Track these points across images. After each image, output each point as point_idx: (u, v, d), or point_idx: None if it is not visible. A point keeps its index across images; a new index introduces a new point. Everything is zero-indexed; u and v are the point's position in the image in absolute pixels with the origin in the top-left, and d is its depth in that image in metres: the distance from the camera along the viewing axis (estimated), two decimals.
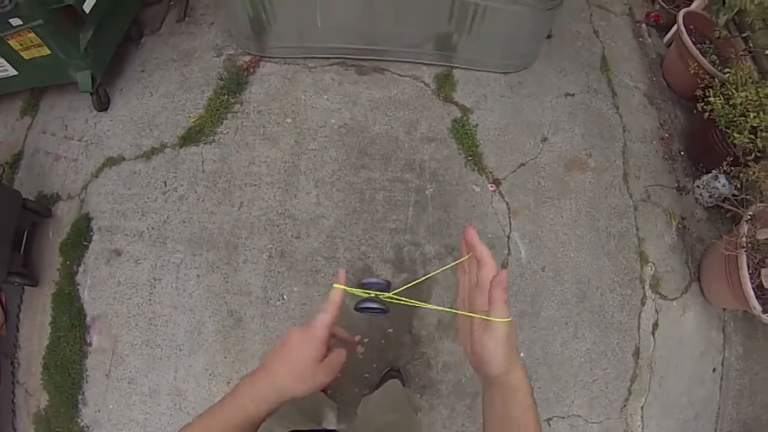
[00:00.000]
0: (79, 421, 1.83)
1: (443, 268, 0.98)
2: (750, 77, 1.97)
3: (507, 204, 1.97)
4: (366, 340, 1.77)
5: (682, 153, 2.33)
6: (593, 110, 2.22)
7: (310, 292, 1.82)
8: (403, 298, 0.62)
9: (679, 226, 2.16)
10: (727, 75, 1.99)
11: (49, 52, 1.95)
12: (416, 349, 1.79)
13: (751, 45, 2.25)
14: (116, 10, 2.14)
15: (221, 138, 2.04)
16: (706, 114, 1.96)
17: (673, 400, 1.93)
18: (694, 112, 2.16)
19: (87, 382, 1.85)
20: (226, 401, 0.58)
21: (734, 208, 1.91)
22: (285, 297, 1.85)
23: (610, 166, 2.15)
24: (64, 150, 2.23)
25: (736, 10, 2.11)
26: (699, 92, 2.04)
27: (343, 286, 0.59)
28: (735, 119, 1.88)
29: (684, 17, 2.32)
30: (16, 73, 2.08)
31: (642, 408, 1.88)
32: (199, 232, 1.93)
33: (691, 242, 2.14)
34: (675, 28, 2.41)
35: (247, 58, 2.15)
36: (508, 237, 1.94)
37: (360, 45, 2.03)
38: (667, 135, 2.36)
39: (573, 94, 2.22)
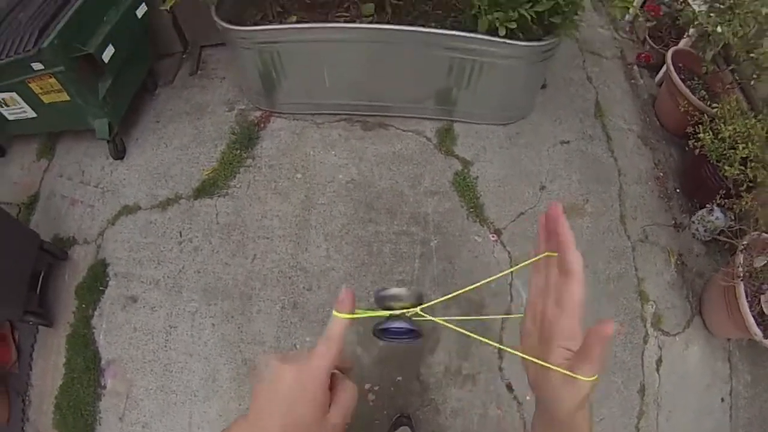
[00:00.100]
0: None
1: (502, 274, 0.75)
2: (738, 109, 2.07)
3: (508, 253, 2.07)
4: (376, 388, 1.85)
5: (678, 190, 2.42)
6: (589, 156, 2.32)
7: None
8: (442, 321, 0.49)
9: (678, 262, 2.24)
10: (716, 109, 2.08)
11: (68, 98, 2.08)
12: (425, 396, 1.86)
13: (737, 77, 2.36)
14: (133, 61, 2.29)
15: (234, 191, 2.14)
16: (697, 150, 2.05)
17: None
18: (686, 149, 2.25)
19: (100, 425, 1.91)
20: None
21: (730, 240, 1.98)
22: (298, 347, 1.93)
23: (607, 210, 2.24)
24: (81, 195, 2.34)
25: (721, 45, 2.23)
26: (690, 129, 2.13)
27: (346, 315, 0.44)
28: (725, 152, 1.97)
29: (672, 56, 2.43)
30: (34, 115, 2.21)
31: None
32: (213, 283, 2.03)
33: (691, 277, 2.21)
34: (665, 67, 2.51)
35: (258, 113, 2.27)
36: (510, 285, 2.03)
37: (365, 101, 2.16)
38: (662, 174, 2.45)
39: (568, 142, 2.33)
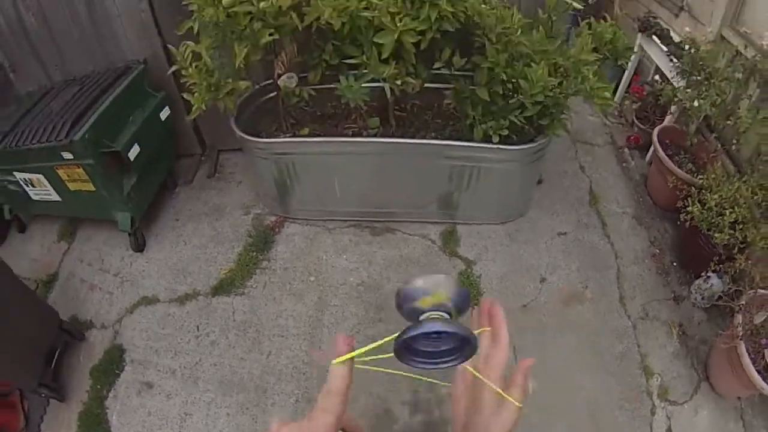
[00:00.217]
0: None
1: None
2: (724, 175, 2.22)
3: (512, 343, 2.21)
4: None
5: (675, 264, 2.58)
6: (586, 244, 2.52)
7: None
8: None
9: (680, 333, 2.36)
10: (702, 180, 2.23)
11: (94, 189, 2.29)
12: None
13: (721, 143, 2.52)
14: (156, 160, 2.54)
15: (251, 291, 2.35)
16: (688, 222, 2.17)
17: None
18: (678, 223, 2.38)
19: None
20: None
21: (729, 303, 2.06)
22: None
23: (606, 294, 2.40)
24: (100, 281, 2.54)
25: (702, 116, 2.41)
26: (680, 203, 2.26)
27: (343, 357, 0.41)
28: (714, 220, 2.10)
29: (659, 133, 2.64)
30: (59, 199, 2.43)
31: None
32: (229, 376, 2.18)
33: (695, 345, 2.32)
34: (652, 146, 2.72)
35: (273, 218, 2.51)
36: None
37: (373, 208, 2.41)
38: (658, 251, 2.62)
39: (566, 233, 2.54)
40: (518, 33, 2.03)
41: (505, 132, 2.14)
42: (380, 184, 2.33)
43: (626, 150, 2.96)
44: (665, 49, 2.72)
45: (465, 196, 2.33)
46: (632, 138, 2.99)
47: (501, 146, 2.16)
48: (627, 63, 2.66)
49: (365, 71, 2.07)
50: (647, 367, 2.26)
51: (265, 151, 2.28)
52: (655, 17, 2.99)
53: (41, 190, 2.42)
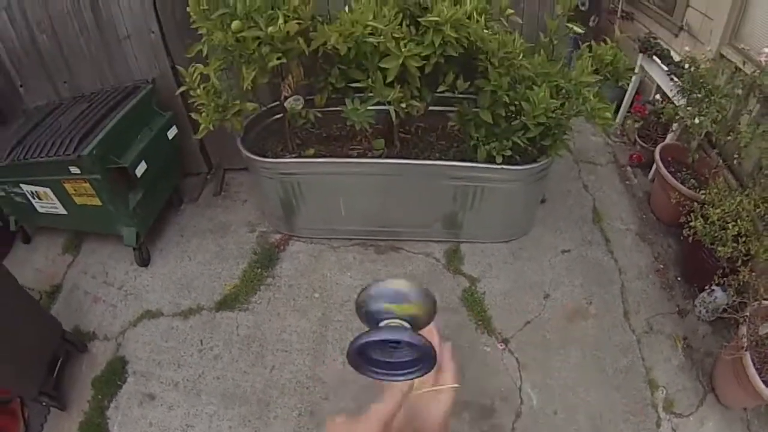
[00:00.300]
0: None
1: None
2: (726, 189, 2.28)
3: (516, 359, 2.29)
4: None
5: (679, 278, 2.65)
6: (589, 260, 2.59)
7: None
8: None
9: (684, 346, 2.42)
10: (704, 195, 2.29)
11: (100, 203, 2.37)
12: None
13: (722, 158, 2.60)
14: (162, 177, 2.63)
15: (255, 307, 2.42)
16: (691, 237, 2.23)
17: None
18: (681, 238, 2.42)
19: None
20: None
21: (733, 315, 2.12)
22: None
23: (610, 309, 2.47)
24: (104, 294, 2.62)
25: (704, 133, 2.49)
26: (683, 218, 2.32)
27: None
28: (717, 234, 2.16)
29: (661, 151, 2.72)
30: (65, 212, 2.50)
31: None
32: (232, 389, 2.24)
33: (700, 357, 2.38)
34: (655, 164, 2.80)
35: (278, 236, 2.60)
36: (520, 388, 2.23)
37: (377, 227, 2.49)
38: (662, 266, 2.69)
39: (569, 250, 2.61)
40: (520, 57, 2.13)
41: (508, 153, 2.24)
42: (385, 204, 2.42)
43: (629, 168, 3.06)
44: (666, 68, 2.83)
45: (469, 215, 2.42)
46: (635, 156, 3.09)
47: (504, 166, 2.25)
48: (628, 84, 2.78)
49: (370, 95, 2.17)
50: (652, 380, 2.32)
51: (271, 170, 2.38)
52: (655, 38, 3.12)
53: (47, 203, 2.51)
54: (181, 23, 2.38)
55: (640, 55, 3.15)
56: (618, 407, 2.24)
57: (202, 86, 2.07)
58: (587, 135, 3.19)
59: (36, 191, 2.46)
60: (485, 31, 2.08)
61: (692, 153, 2.63)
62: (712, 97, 2.43)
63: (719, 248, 2.13)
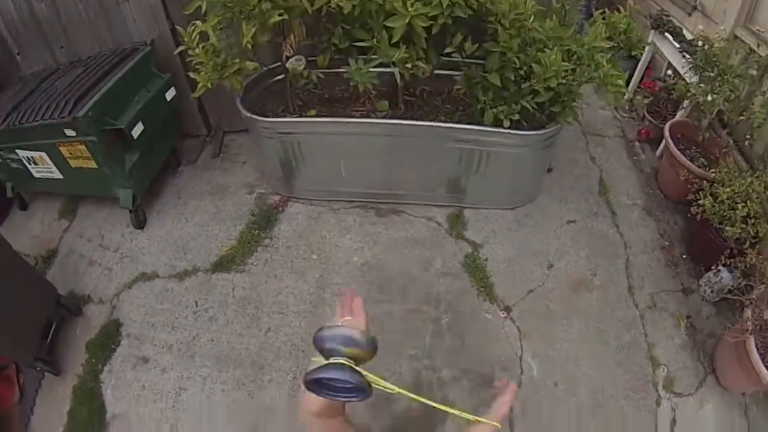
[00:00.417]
0: None
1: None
2: (736, 170, 2.27)
3: (518, 328, 2.26)
4: None
5: (684, 256, 2.62)
6: (595, 232, 2.56)
7: None
8: (380, 381, 0.51)
9: (687, 325, 2.40)
10: (714, 174, 2.27)
11: (96, 166, 2.34)
12: None
13: (733, 139, 2.58)
14: (160, 139, 2.60)
15: (251, 268, 2.39)
16: (699, 215, 2.22)
17: None
18: (689, 216, 2.44)
19: None
20: None
21: (738, 297, 2.10)
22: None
23: (615, 282, 2.44)
24: (99, 257, 2.59)
25: (715, 112, 2.48)
26: (691, 196, 2.32)
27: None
28: (726, 214, 2.15)
29: (670, 128, 2.69)
30: (60, 177, 2.48)
31: None
32: (227, 351, 2.22)
33: (702, 338, 2.36)
34: (664, 140, 2.77)
35: (277, 197, 2.57)
36: (521, 358, 2.21)
37: (379, 190, 2.46)
38: (667, 243, 2.66)
39: (575, 221, 2.58)
40: (531, 19, 2.09)
41: (516, 117, 2.20)
42: (387, 166, 2.38)
43: (637, 143, 3.01)
44: (678, 45, 2.79)
45: (474, 180, 2.39)
46: (643, 131, 3.04)
47: (512, 131, 2.21)
48: (640, 54, 2.73)
49: (374, 56, 2.13)
50: (654, 357, 2.30)
51: (271, 130, 2.34)
52: (667, 15, 3.06)
53: (43, 167, 2.48)
54: None
55: (652, 31, 3.09)
56: (619, 383, 2.22)
57: (200, 45, 2.02)
58: (595, 108, 3.14)
59: (32, 156, 2.44)
60: None
61: (703, 131, 2.60)
62: (726, 77, 2.40)
63: (727, 228, 2.11)
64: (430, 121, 2.35)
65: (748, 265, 2.03)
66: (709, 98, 2.40)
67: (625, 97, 3.21)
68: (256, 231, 2.47)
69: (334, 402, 0.56)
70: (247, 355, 2.21)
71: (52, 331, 2.23)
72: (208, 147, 2.87)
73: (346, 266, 2.37)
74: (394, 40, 2.03)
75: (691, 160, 2.55)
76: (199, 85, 2.05)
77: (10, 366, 2.24)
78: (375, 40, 2.09)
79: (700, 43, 2.60)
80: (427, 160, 2.34)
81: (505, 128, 2.20)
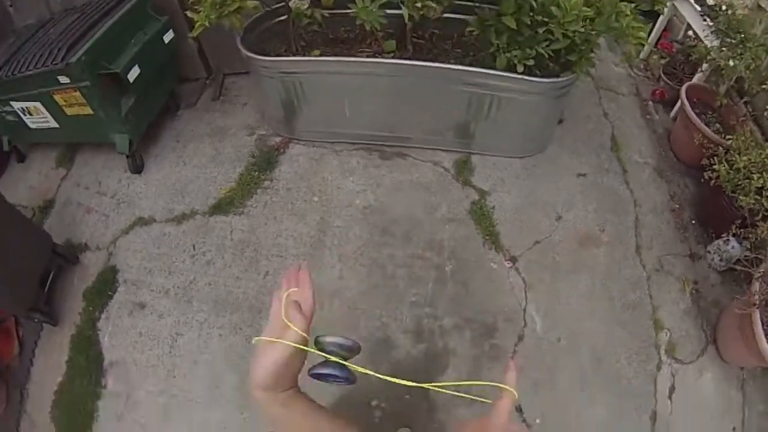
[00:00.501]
0: None
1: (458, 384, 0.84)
2: (752, 140, 2.21)
3: (523, 279, 2.20)
4: (383, 405, 1.95)
5: (694, 221, 2.57)
6: (605, 188, 2.48)
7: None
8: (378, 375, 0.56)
9: (693, 291, 2.35)
10: (730, 141, 2.22)
11: (91, 112, 2.28)
12: (432, 416, 1.96)
13: (751, 109, 2.52)
14: (157, 82, 2.52)
15: (250, 210, 2.32)
16: (713, 181, 2.17)
17: None
18: (702, 180, 2.40)
19: (96, 422, 2.01)
20: None
21: (747, 269, 2.05)
22: (306, 361, 2.05)
23: (623, 240, 2.38)
24: (96, 204, 2.54)
25: (734, 78, 2.42)
26: (705, 161, 2.26)
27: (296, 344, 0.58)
28: (740, 183, 2.09)
29: (687, 91, 2.61)
30: (56, 126, 2.42)
31: None
32: (224, 295, 2.17)
33: (706, 306, 2.32)
34: (679, 102, 2.70)
35: (278, 139, 2.48)
36: (524, 310, 2.16)
37: (384, 132, 2.37)
38: (677, 206, 2.60)
39: (585, 174, 2.50)
40: None
41: (531, 62, 2.10)
42: (393, 107, 2.28)
43: (651, 103, 2.92)
44: (699, 8, 2.70)
45: (483, 126, 2.30)
46: (658, 92, 2.95)
47: (525, 77, 2.12)
48: (663, 8, 2.61)
49: None
50: (657, 320, 2.26)
51: (272, 69, 2.24)
52: None
53: (39, 117, 2.41)
54: None
55: None
56: (622, 343, 2.18)
57: None
58: (609, 64, 3.04)
59: (26, 107, 2.37)
60: None
61: (720, 97, 2.52)
62: (748, 44, 2.33)
63: (741, 198, 2.06)
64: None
65: (758, 238, 1.98)
66: (731, 63, 2.34)
67: (641, 55, 3.11)
68: (256, 173, 2.38)
69: (282, 372, 0.62)
70: (244, 299, 2.16)
71: (49, 282, 2.20)
72: (208, 90, 2.77)
73: (347, 209, 2.29)
74: None
75: (706, 125, 2.47)
76: (197, 24, 1.96)
77: (9, 319, 2.24)
78: None
79: (723, 7, 2.52)
80: (436, 104, 2.24)
81: (518, 74, 2.11)
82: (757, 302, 1.88)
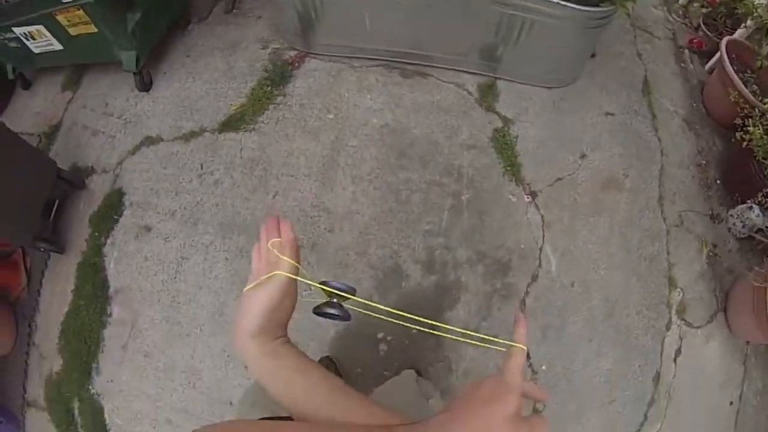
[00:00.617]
0: (90, 388, 1.94)
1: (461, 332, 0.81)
2: None
3: (542, 216, 2.08)
4: (389, 338, 1.87)
5: (718, 181, 2.42)
6: (633, 131, 2.33)
7: None
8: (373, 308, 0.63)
9: (710, 254, 2.23)
10: (767, 105, 2.06)
11: (95, 30, 2.11)
12: (439, 352, 1.88)
13: None
14: None
15: (261, 127, 2.17)
16: (745, 143, 2.04)
17: (688, 431, 1.98)
18: (733, 140, 2.27)
19: (103, 352, 1.97)
20: None
21: (767, 240, 1.98)
22: (312, 288, 1.94)
23: (646, 188, 2.24)
24: (103, 126, 2.39)
25: None
26: (738, 121, 2.13)
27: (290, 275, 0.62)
28: None
29: (727, 45, 2.43)
30: (60, 48, 2.26)
31: None
32: (231, 217, 2.06)
33: (721, 272, 2.21)
34: (717, 55, 2.54)
35: (293, 53, 2.31)
36: (540, 249, 2.04)
37: (406, 49, 2.18)
38: (704, 162, 2.45)
39: (614, 114, 2.33)
40: None
41: None
42: (418, 23, 2.10)
43: (686, 51, 2.72)
44: None
45: (512, 50, 2.12)
46: (695, 41, 2.73)
47: (562, 2, 1.93)
48: None
49: None
50: (672, 278, 2.14)
51: None
52: None
53: (42, 41, 2.24)
54: None
55: None
56: (635, 296, 2.07)
57: None
58: (647, 6, 2.77)
59: (29, 32, 2.20)
60: None
61: (762, 58, 2.34)
62: None
63: None
64: None
65: None
66: None
67: (681, 0, 2.86)
68: (269, 87, 2.22)
69: (272, 318, 0.62)
70: (252, 221, 2.05)
71: (54, 209, 2.09)
72: (221, 2, 2.57)
73: (364, 128, 2.15)
74: None
75: (743, 84, 2.29)
76: None
77: (16, 251, 2.16)
78: None
79: None
80: (463, 21, 2.06)
81: None
82: None
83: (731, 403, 2.03)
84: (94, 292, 2.03)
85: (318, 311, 0.63)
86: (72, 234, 2.16)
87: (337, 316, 0.62)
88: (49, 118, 2.49)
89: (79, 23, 2.10)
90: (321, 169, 2.06)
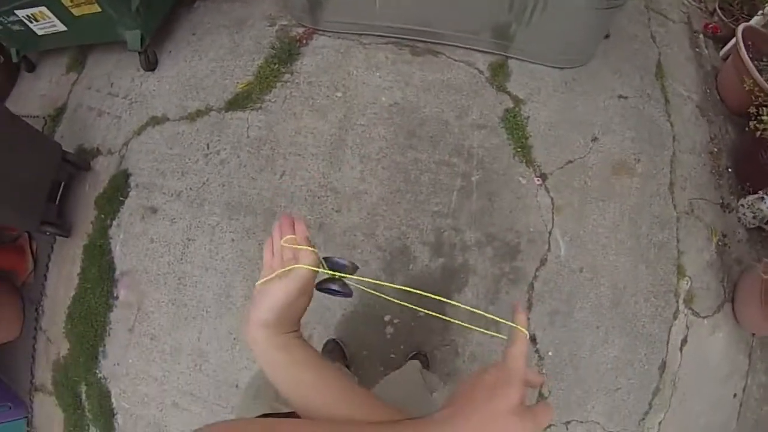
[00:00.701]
0: (97, 372, 1.93)
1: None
2: None
3: (552, 199, 2.02)
4: (396, 321, 1.84)
5: (730, 170, 2.36)
6: (645, 115, 2.26)
7: None
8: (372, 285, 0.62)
9: (719, 243, 2.18)
10: None
11: (99, 9, 2.06)
12: (446, 336, 1.85)
13: None
14: None
15: (269, 106, 2.11)
16: (758, 133, 1.98)
17: (692, 421, 1.96)
18: (746, 129, 2.21)
19: (109, 335, 1.95)
20: None
21: None
22: (319, 271, 1.89)
23: (657, 174, 2.18)
24: (108, 106, 2.35)
25: None
26: (752, 110, 2.07)
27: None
28: None
29: (743, 32, 2.36)
30: (64, 29, 2.21)
31: (660, 424, 1.91)
32: (238, 197, 2.01)
33: (729, 262, 2.16)
34: (733, 41, 2.48)
35: (301, 29, 2.24)
36: (550, 233, 1.99)
37: (416, 26, 2.12)
38: (716, 149, 2.39)
39: (626, 97, 2.26)
40: None
41: None
42: (427, 0, 2.00)
43: (701, 36, 2.64)
44: None
45: (524, 28, 2.04)
46: (711, 26, 2.65)
47: None
48: None
49: None
50: (681, 266, 2.08)
51: None
52: None
53: (46, 22, 2.20)
54: None
55: None
56: (643, 283, 2.02)
57: None
58: None
59: (32, 13, 2.15)
60: None
61: None
62: None
63: None
64: None
65: None
66: None
67: None
68: (276, 65, 2.16)
69: (286, 313, 0.60)
70: (259, 200, 2.00)
71: (60, 192, 2.06)
72: None
73: (372, 106, 2.09)
74: None
75: (759, 72, 2.22)
76: None
77: (22, 236, 2.13)
78: None
79: None
80: None
81: None
82: None
83: (735, 395, 2.00)
84: (100, 274, 2.00)
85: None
86: (78, 217, 2.12)
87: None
88: (54, 100, 2.45)
89: (82, 3, 2.04)
90: (329, 149, 2.00)
